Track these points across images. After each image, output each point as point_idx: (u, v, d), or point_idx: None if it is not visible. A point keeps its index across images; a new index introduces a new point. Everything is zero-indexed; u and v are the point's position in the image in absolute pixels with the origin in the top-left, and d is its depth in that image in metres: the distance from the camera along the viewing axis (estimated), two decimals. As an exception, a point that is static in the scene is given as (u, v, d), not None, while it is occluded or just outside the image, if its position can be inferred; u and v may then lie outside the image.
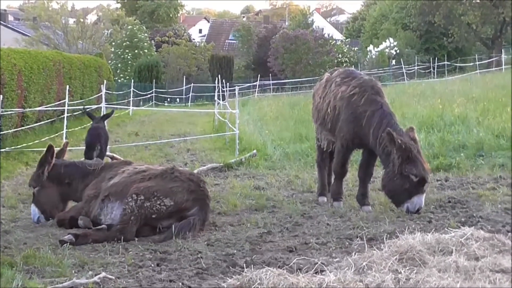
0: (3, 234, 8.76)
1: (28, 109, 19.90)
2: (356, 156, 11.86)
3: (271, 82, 57.37)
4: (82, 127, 22.70)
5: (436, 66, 57.53)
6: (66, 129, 20.76)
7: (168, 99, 53.78)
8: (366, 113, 10.02)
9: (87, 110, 14.71)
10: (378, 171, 12.09)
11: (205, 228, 9.00)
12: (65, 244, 8.09)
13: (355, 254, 6.84)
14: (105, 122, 13.88)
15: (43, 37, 56.65)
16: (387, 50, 62.25)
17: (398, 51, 61.78)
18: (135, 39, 60.39)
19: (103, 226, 8.80)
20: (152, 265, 7.32)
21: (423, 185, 9.54)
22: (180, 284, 6.63)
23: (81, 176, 9.73)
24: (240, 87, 28.55)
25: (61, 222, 9.38)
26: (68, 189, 9.74)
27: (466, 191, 11.23)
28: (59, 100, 23.29)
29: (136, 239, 8.44)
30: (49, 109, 22.34)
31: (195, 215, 8.82)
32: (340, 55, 63.87)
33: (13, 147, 16.90)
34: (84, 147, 13.30)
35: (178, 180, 9.00)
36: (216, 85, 29.78)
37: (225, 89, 33.76)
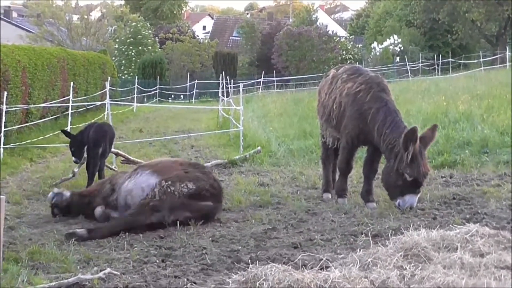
0: (8, 230, 8.78)
1: (32, 106, 19.93)
2: (361, 153, 11.85)
3: (275, 79, 57.30)
4: (87, 123, 22.71)
5: (440, 63, 57.44)
6: (70, 125, 20.78)
7: (172, 96, 53.81)
8: (371, 110, 10.02)
9: (64, 130, 14.24)
10: (383, 168, 12.09)
11: (210, 224, 9.02)
12: (72, 240, 8.13)
13: (360, 250, 6.84)
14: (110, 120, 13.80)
15: (47, 33, 56.70)
16: (391, 47, 62.15)
17: (402, 48, 61.67)
18: (139, 36, 60.37)
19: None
20: (157, 261, 7.33)
21: (417, 186, 9.59)
22: (185, 280, 6.63)
23: None
24: (244, 83, 28.59)
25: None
26: None
27: (471, 188, 11.22)
28: (63, 97, 23.30)
29: (141, 235, 8.45)
30: (53, 105, 22.37)
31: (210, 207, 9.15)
32: (344, 52, 63.79)
33: (17, 143, 16.92)
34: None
35: (206, 173, 9.51)
36: (220, 81, 29.81)
37: (229, 85, 33.79)
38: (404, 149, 9.42)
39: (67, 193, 9.94)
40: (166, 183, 8.95)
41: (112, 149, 13.70)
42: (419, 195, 9.76)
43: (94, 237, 8.35)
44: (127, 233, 8.49)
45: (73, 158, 12.65)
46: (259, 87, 53.57)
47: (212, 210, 9.21)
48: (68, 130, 15.07)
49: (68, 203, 9.81)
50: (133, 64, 58.91)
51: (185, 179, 9.06)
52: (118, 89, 39.95)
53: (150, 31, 63.02)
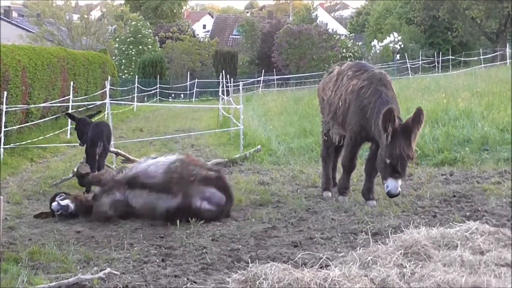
0: (8, 230, 8.78)
1: (32, 106, 19.93)
2: (362, 151, 11.84)
3: (275, 77, 57.26)
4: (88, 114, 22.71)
5: (440, 61, 57.37)
6: (70, 125, 20.79)
7: (173, 95, 53.80)
8: (370, 105, 10.00)
9: (67, 112, 14.67)
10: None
11: (209, 224, 9.02)
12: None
13: (360, 248, 6.84)
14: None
15: (47, 33, 56.66)
16: (391, 44, 62.09)
17: (402, 46, 61.61)
18: (139, 35, 60.34)
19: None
20: (157, 260, 7.33)
21: (395, 171, 9.37)
22: (185, 279, 6.63)
23: None
24: (244, 82, 28.61)
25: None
26: None
27: (471, 185, 11.21)
28: (64, 96, 23.32)
29: (141, 234, 8.45)
30: (53, 105, 22.37)
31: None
32: (344, 50, 63.74)
33: (17, 143, 16.92)
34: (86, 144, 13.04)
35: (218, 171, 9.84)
36: (220, 80, 29.80)
37: (229, 84, 33.75)
38: (383, 130, 9.35)
39: (72, 205, 9.72)
40: (186, 161, 9.40)
41: (112, 149, 13.70)
42: (400, 181, 9.49)
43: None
44: (127, 234, 8.50)
45: (79, 142, 13.03)
46: (259, 86, 53.55)
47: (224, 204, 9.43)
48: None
49: (72, 212, 9.76)
50: (133, 63, 58.90)
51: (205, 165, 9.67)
52: (118, 88, 39.96)
53: (150, 30, 62.98)
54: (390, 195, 9.49)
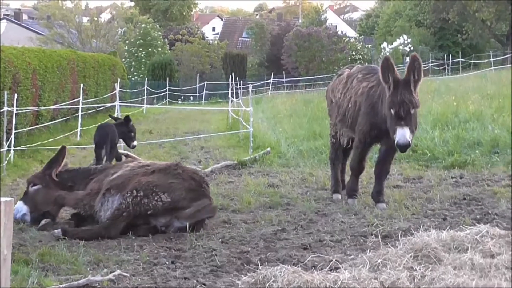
0: (18, 232, 8.79)
1: (42, 108, 19.99)
2: (371, 153, 11.83)
3: (284, 79, 57.33)
4: (96, 125, 22.76)
5: (450, 63, 57.29)
6: (80, 127, 20.86)
7: (182, 97, 53.89)
8: (380, 100, 9.92)
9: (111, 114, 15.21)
10: (394, 168, 12.07)
11: (219, 226, 9.01)
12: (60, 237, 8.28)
13: (369, 251, 6.82)
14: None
15: (57, 35, 56.95)
16: (401, 47, 62.03)
17: (412, 48, 61.44)
18: (149, 38, 60.49)
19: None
20: (167, 262, 7.33)
21: (399, 118, 9.24)
22: (195, 281, 6.63)
23: (84, 179, 9.60)
24: (254, 84, 28.57)
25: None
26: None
27: (481, 188, 11.18)
28: (73, 99, 23.38)
29: (151, 236, 8.45)
30: (63, 107, 22.42)
31: (190, 215, 8.72)
32: (353, 53, 63.76)
33: (27, 145, 16.97)
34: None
35: (179, 177, 8.92)
36: (230, 83, 29.77)
37: (238, 87, 33.76)
38: (384, 81, 9.36)
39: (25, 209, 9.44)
40: (139, 194, 8.61)
41: (122, 151, 13.74)
42: (408, 130, 9.22)
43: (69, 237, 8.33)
44: (137, 236, 8.50)
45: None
46: (269, 88, 53.59)
47: (203, 212, 8.89)
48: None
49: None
50: (142, 66, 59.06)
51: (159, 188, 8.68)
52: (127, 90, 40.02)
53: (159, 33, 63.12)
54: (400, 146, 9.28)
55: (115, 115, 22.37)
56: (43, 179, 9.63)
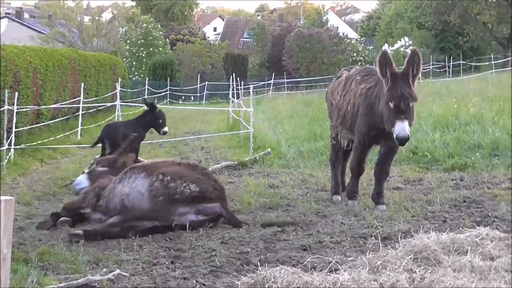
0: (18, 231, 8.80)
1: (43, 107, 20.00)
2: (371, 155, 11.83)
3: (285, 80, 57.32)
4: (97, 124, 22.79)
5: (451, 65, 57.28)
6: (81, 126, 20.87)
7: (183, 97, 53.88)
8: (377, 101, 9.91)
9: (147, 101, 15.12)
10: (394, 170, 12.06)
11: (219, 226, 9.01)
12: (78, 240, 8.14)
13: (369, 253, 6.81)
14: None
15: (58, 34, 56.92)
16: (402, 49, 61.93)
17: (413, 50, 61.48)
18: (150, 37, 60.48)
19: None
20: (166, 262, 7.33)
21: (399, 111, 9.21)
22: (194, 281, 6.63)
23: None
24: (255, 85, 28.55)
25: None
26: None
27: (481, 191, 11.17)
28: (74, 98, 23.40)
29: (151, 236, 8.45)
30: (64, 106, 22.44)
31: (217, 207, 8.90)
32: (354, 54, 63.71)
33: (28, 144, 16.98)
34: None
35: (206, 175, 9.14)
36: (231, 83, 29.78)
37: (239, 87, 33.76)
38: (382, 75, 9.34)
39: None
40: (166, 178, 8.72)
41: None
42: (407, 123, 9.20)
43: (89, 239, 8.27)
44: (136, 235, 8.50)
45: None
46: (270, 89, 53.58)
47: (219, 212, 9.04)
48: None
49: None
50: (143, 66, 59.05)
51: (187, 178, 8.80)
52: (128, 90, 40.03)
53: (161, 33, 63.11)
54: (400, 139, 9.23)
55: (116, 114, 22.39)
56: (112, 164, 9.77)
